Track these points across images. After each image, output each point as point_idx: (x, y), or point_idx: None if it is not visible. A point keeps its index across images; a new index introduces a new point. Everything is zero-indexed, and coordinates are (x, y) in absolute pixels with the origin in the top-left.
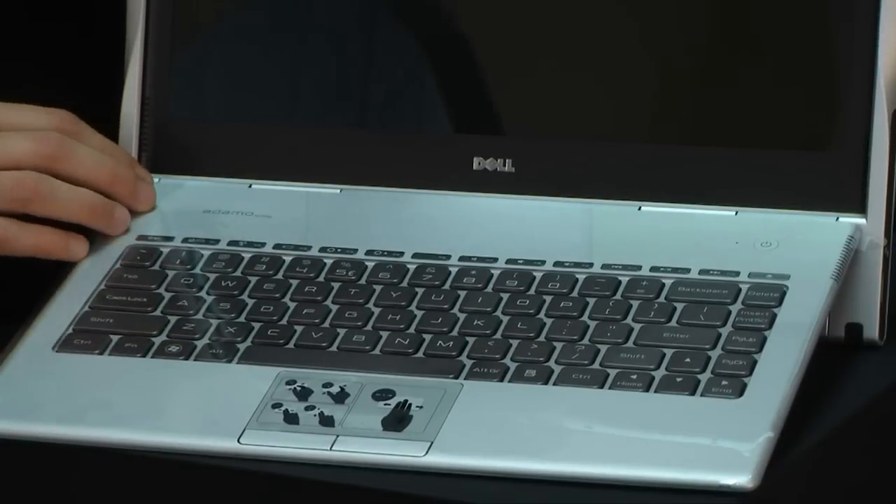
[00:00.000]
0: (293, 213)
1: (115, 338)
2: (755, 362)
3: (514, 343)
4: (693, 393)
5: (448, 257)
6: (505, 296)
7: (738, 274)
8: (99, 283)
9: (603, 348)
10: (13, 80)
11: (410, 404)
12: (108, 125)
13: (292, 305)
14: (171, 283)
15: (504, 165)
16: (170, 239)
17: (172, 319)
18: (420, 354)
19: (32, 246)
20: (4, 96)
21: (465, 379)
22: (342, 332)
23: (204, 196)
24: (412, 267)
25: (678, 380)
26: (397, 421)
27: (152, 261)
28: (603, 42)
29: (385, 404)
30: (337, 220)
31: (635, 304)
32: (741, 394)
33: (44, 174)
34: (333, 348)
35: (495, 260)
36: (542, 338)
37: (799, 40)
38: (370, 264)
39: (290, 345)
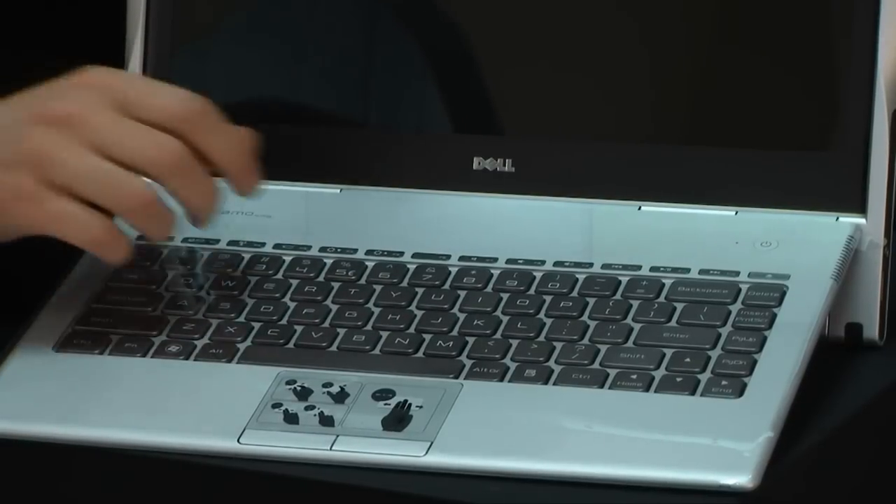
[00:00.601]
0: (293, 213)
1: (115, 338)
2: (755, 362)
3: (514, 343)
4: (693, 393)
5: (448, 257)
6: (505, 296)
7: (738, 274)
8: (99, 283)
9: (603, 348)
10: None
11: (410, 404)
12: None
13: (292, 305)
14: (171, 283)
15: (504, 165)
16: (170, 239)
17: (172, 319)
18: (420, 354)
19: (91, 240)
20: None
21: (465, 379)
22: (342, 331)
23: None
24: (412, 267)
25: (678, 380)
26: (397, 421)
27: (152, 261)
28: (603, 42)
29: (385, 404)
30: (337, 220)
31: (635, 303)
32: (741, 394)
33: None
34: (333, 348)
35: (495, 260)
36: (541, 338)
37: (799, 40)
38: (370, 264)
39: (290, 345)
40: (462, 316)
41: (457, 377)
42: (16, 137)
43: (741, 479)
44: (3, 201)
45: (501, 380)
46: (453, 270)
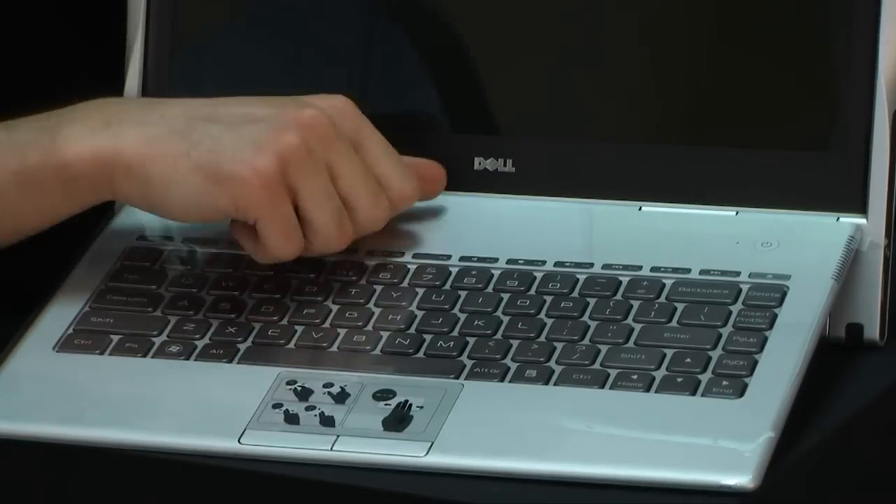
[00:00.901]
0: None
1: (115, 338)
2: (756, 362)
3: (515, 343)
4: (693, 393)
5: (448, 257)
6: (505, 296)
7: (738, 274)
8: (99, 283)
9: (603, 348)
10: (12, 80)
11: (411, 404)
12: None
13: (293, 305)
14: (171, 283)
15: (504, 165)
16: (170, 239)
17: (172, 319)
18: (421, 355)
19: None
20: (4, 95)
21: (465, 379)
22: (342, 332)
23: None
24: (412, 267)
25: (679, 380)
26: (398, 421)
27: (152, 261)
28: (603, 42)
29: (385, 404)
30: None
31: (636, 304)
32: (742, 394)
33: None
34: (334, 348)
35: (496, 260)
36: (542, 338)
37: (799, 40)
38: (370, 264)
39: (291, 345)
40: (463, 316)
41: (457, 377)
42: (287, 115)
43: (742, 479)
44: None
45: (502, 380)
46: (454, 270)
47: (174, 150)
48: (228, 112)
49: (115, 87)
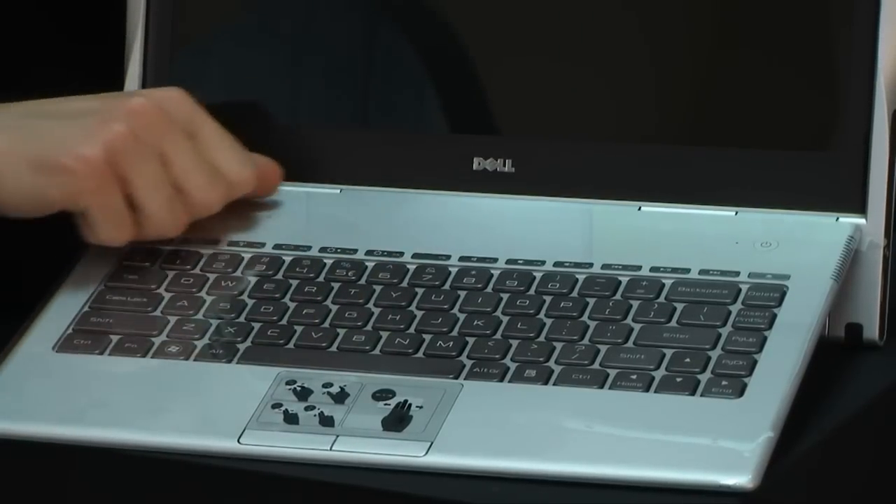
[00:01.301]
0: (293, 213)
1: (115, 338)
2: (755, 362)
3: (514, 343)
4: (693, 393)
5: (448, 257)
6: (505, 296)
7: (738, 274)
8: (99, 283)
9: (603, 348)
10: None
11: (410, 404)
12: None
13: (292, 305)
14: (171, 283)
15: (504, 165)
16: (170, 239)
17: (172, 319)
18: (420, 354)
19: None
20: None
21: (465, 379)
22: (342, 332)
23: None
24: (412, 267)
25: (678, 380)
26: (397, 421)
27: (152, 261)
28: (603, 42)
29: (385, 404)
30: (337, 220)
31: (635, 304)
32: (741, 394)
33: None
34: (333, 348)
35: (495, 260)
36: (542, 338)
37: (799, 40)
38: (370, 264)
39: (290, 345)
40: (462, 316)
41: (457, 377)
42: (116, 106)
43: (741, 479)
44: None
45: (501, 380)
46: (453, 271)
47: (4, 144)
48: (64, 108)
49: (114, 87)
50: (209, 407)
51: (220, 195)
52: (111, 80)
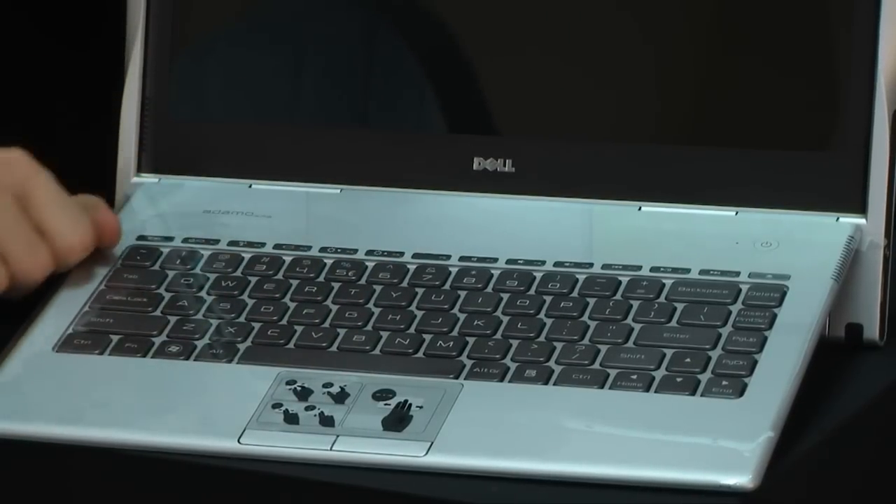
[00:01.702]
0: (293, 213)
1: (115, 338)
2: (755, 362)
3: (515, 343)
4: (693, 393)
5: (448, 257)
6: (505, 296)
7: (738, 274)
8: (99, 283)
9: (603, 348)
10: (12, 82)
11: (410, 404)
12: (107, 125)
13: (292, 305)
14: (171, 283)
15: (504, 165)
16: (170, 239)
17: (172, 319)
18: (420, 354)
19: None
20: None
21: (465, 379)
22: (342, 332)
23: (204, 196)
24: (412, 267)
25: (678, 380)
26: (397, 421)
27: (152, 261)
28: (603, 42)
29: (385, 404)
30: (337, 220)
31: (635, 304)
32: (741, 394)
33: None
34: (333, 348)
35: (495, 260)
36: (542, 338)
37: (799, 40)
38: (370, 264)
39: (290, 345)
40: (462, 316)
41: (457, 377)
42: None
43: (741, 479)
44: None
45: (502, 380)
46: (453, 271)
47: None
48: None
49: (114, 87)
50: (209, 407)
51: (44, 260)
52: (112, 80)
